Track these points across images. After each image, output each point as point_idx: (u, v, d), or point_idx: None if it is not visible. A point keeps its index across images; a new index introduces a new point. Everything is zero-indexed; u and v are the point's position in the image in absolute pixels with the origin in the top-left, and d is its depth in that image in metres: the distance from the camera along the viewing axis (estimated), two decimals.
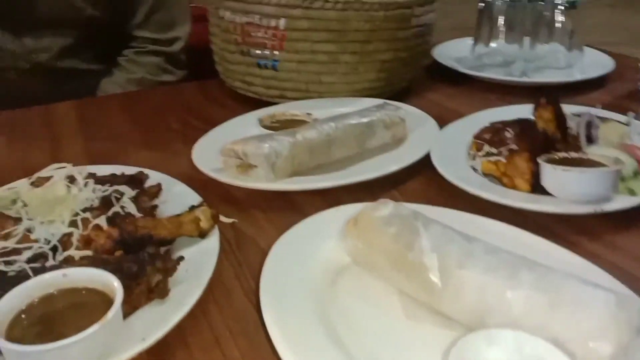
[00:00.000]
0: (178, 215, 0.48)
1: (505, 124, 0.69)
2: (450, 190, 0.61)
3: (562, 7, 0.92)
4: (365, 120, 0.68)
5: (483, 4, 0.97)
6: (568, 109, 0.75)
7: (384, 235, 0.44)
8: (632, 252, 0.53)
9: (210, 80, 0.96)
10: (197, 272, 0.45)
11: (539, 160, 0.57)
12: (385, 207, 0.46)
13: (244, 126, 0.73)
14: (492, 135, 0.68)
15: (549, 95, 0.62)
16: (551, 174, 0.55)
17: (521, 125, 0.60)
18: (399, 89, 0.89)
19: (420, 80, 0.97)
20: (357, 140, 0.68)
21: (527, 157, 0.58)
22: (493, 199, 0.56)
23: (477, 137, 0.68)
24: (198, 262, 0.46)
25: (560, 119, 0.62)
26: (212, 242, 0.48)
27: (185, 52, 1.20)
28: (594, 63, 1.00)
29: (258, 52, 0.82)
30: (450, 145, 0.68)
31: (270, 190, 0.60)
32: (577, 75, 0.95)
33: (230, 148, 0.59)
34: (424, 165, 0.66)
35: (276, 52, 0.81)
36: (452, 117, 0.81)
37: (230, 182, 0.59)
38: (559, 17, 0.94)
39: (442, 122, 0.76)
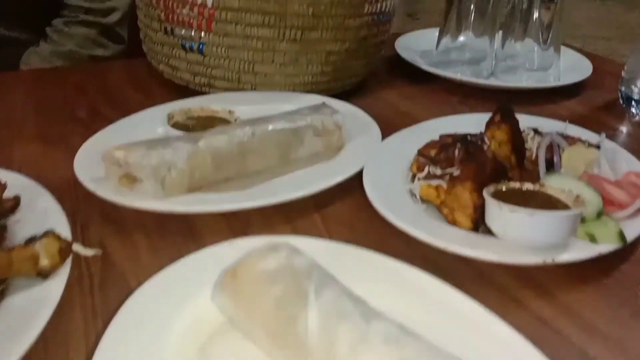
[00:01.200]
0: (10, 250, 0.37)
1: (457, 139, 0.59)
2: (380, 220, 0.51)
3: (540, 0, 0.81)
4: (291, 125, 0.58)
5: None
6: (531, 121, 0.65)
7: (266, 296, 0.34)
8: (585, 318, 0.43)
9: (141, 60, 0.84)
10: (18, 331, 0.35)
11: (485, 192, 0.47)
12: (274, 256, 0.36)
13: (152, 122, 0.62)
14: (439, 152, 0.57)
15: (504, 111, 0.52)
16: (496, 213, 0.45)
17: (467, 147, 0.50)
18: (348, 85, 0.78)
19: (377, 75, 0.86)
20: (280, 150, 0.57)
21: (470, 187, 0.48)
22: (423, 238, 0.46)
23: (421, 153, 0.58)
24: (28, 314, 0.36)
25: (516, 140, 0.52)
26: (54, 287, 0.38)
27: (124, 23, 1.07)
28: (570, 66, 0.89)
29: (183, 32, 0.70)
30: (389, 161, 0.58)
31: (159, 212, 0.49)
32: (550, 81, 0.85)
33: (111, 154, 0.48)
34: (356, 184, 0.56)
35: (203, 34, 0.69)
36: (404, 122, 0.70)
37: (107, 197, 0.48)
38: (536, 11, 0.83)
39: (391, 128, 0.66)
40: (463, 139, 0.57)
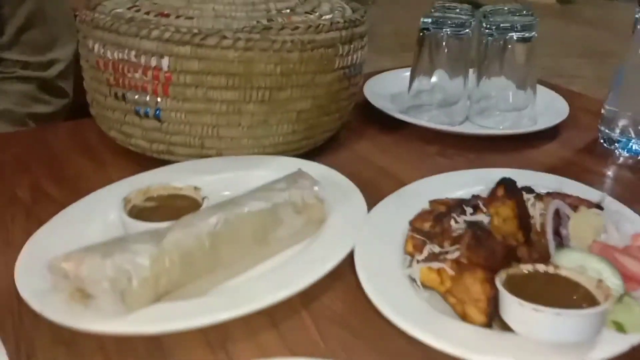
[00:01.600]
0: None
1: (450, 206, 0.54)
2: (378, 313, 0.44)
3: (515, 39, 0.78)
4: (268, 205, 0.51)
5: (422, 33, 0.81)
6: (520, 177, 0.61)
7: None
8: None
9: (89, 120, 0.76)
10: None
11: (499, 283, 0.42)
12: None
13: (105, 207, 0.54)
14: (433, 224, 0.52)
15: (508, 185, 0.47)
16: (516, 310, 0.40)
17: (474, 232, 0.44)
18: (320, 141, 0.72)
19: (348, 125, 0.80)
20: (256, 234, 0.50)
21: (482, 277, 0.42)
22: (431, 342, 0.40)
23: (415, 227, 0.52)
24: None
25: (523, 215, 0.47)
26: None
27: (68, 75, 0.99)
28: (546, 105, 0.86)
29: (136, 97, 0.63)
30: (380, 237, 0.52)
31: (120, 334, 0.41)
32: (527, 125, 0.81)
33: (59, 266, 0.40)
34: (347, 267, 0.50)
35: (159, 99, 0.62)
36: (385, 182, 0.66)
37: (57, 320, 0.40)
38: (511, 50, 0.79)
39: (371, 189, 0.60)
40: (458, 208, 0.52)
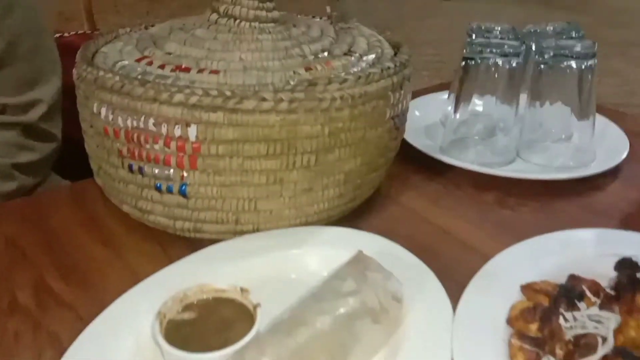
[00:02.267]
0: None
1: (552, 297, 0.46)
2: None
3: (575, 66, 0.69)
4: (340, 319, 0.41)
5: (466, 62, 0.72)
6: (609, 240, 0.53)
7: None
8: None
9: (90, 181, 0.64)
10: None
11: None
12: None
13: (137, 315, 0.44)
14: (541, 327, 0.44)
15: None
16: None
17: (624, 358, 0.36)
18: (364, 200, 0.63)
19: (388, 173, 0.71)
20: None
21: None
22: None
23: (519, 332, 0.44)
24: None
25: None
26: None
27: (53, 116, 0.86)
28: (602, 136, 0.77)
29: (156, 171, 0.53)
30: (481, 351, 0.42)
31: None
32: (586, 160, 0.73)
33: None
34: None
35: (185, 173, 0.52)
36: (450, 249, 0.58)
37: None
38: (569, 76, 0.70)
39: (438, 262, 0.51)
40: (562, 299, 0.43)
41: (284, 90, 0.49)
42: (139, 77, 0.51)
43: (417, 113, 0.82)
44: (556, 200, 0.67)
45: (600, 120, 0.79)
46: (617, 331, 0.41)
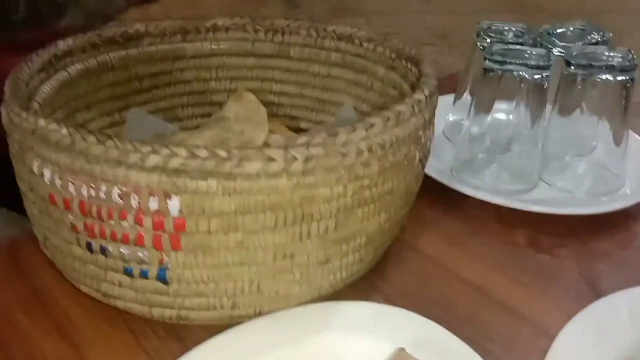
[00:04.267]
0: None
1: None
2: None
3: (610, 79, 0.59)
4: None
5: (485, 72, 0.61)
6: None
7: None
8: None
9: (30, 236, 0.49)
10: None
11: None
12: None
13: None
14: None
15: None
16: None
17: None
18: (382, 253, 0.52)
19: None
20: None
21: None
22: None
23: None
24: None
25: None
26: None
27: None
28: (633, 153, 0.66)
29: (124, 251, 0.40)
30: None
31: None
32: (616, 184, 0.63)
33: None
34: None
35: (164, 256, 0.39)
36: (495, 317, 0.48)
37: None
38: (601, 89, 0.60)
39: (487, 341, 0.42)
40: None
41: (296, 146, 0.37)
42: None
43: None
44: (596, 239, 0.58)
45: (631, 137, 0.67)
46: None
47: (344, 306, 0.44)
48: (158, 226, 0.37)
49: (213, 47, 0.65)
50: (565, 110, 0.64)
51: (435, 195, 0.61)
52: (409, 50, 0.54)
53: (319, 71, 0.66)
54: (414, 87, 0.53)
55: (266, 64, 0.67)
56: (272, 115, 0.66)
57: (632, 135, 0.67)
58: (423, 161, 0.47)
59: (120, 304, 0.43)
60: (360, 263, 0.46)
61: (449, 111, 0.74)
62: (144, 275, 0.40)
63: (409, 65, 0.54)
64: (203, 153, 0.35)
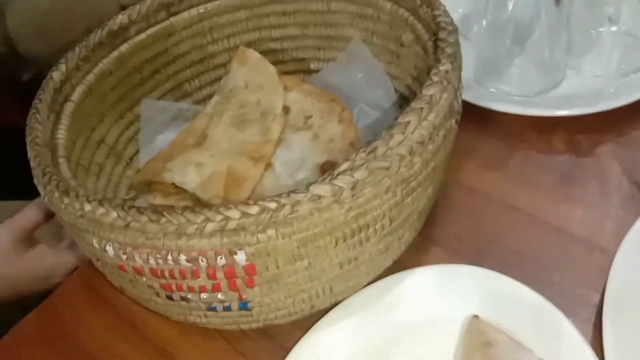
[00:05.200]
0: None
1: None
2: None
3: None
4: None
5: None
6: None
7: None
8: None
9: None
10: None
11: None
12: None
13: None
14: None
15: None
16: None
17: None
18: None
19: None
20: None
21: None
22: None
23: None
24: None
25: None
26: None
27: None
28: None
29: (204, 296, 0.42)
30: None
31: None
32: None
33: None
34: None
35: (242, 294, 0.41)
36: (557, 247, 0.49)
37: None
38: None
39: (546, 279, 0.45)
40: None
41: (340, 175, 0.37)
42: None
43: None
44: (637, 127, 0.57)
45: None
46: None
47: (410, 275, 0.47)
48: (230, 275, 0.39)
49: (201, 11, 0.61)
50: None
51: (465, 115, 0.60)
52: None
53: (317, 8, 0.62)
54: (428, 27, 0.50)
55: (260, 12, 0.63)
56: (278, 63, 0.64)
57: None
58: (458, 120, 0.46)
59: (210, 327, 0.47)
60: (415, 232, 0.48)
61: (460, 3, 0.70)
62: (227, 309, 0.42)
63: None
64: (254, 210, 0.36)
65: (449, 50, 0.42)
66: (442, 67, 0.41)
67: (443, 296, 0.46)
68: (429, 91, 0.40)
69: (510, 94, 0.61)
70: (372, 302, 0.46)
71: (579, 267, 0.47)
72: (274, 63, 0.61)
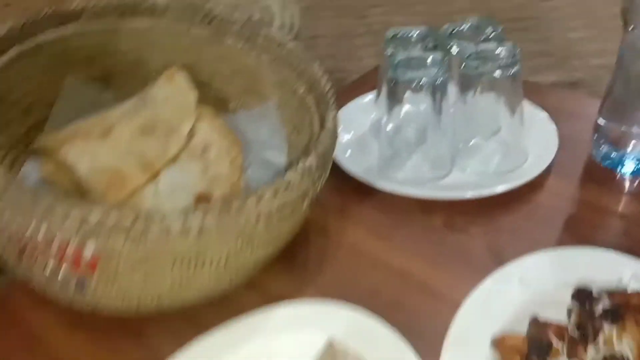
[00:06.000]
0: None
1: (526, 355, 0.47)
2: None
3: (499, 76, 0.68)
4: None
5: (392, 84, 0.68)
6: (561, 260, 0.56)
7: None
8: None
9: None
10: None
11: None
12: None
13: None
14: None
15: None
16: None
17: None
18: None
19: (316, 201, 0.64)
20: None
21: None
22: None
23: None
24: None
25: None
26: None
27: None
28: (530, 125, 0.75)
29: (48, 268, 0.48)
30: None
31: None
32: (518, 158, 0.73)
33: None
34: None
35: (82, 274, 0.48)
36: (416, 299, 0.57)
37: None
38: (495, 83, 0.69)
39: (406, 319, 0.52)
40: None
41: (193, 216, 0.45)
42: None
43: (343, 127, 0.78)
44: (502, 214, 0.69)
45: (528, 109, 0.78)
46: None
47: (274, 311, 0.54)
48: (76, 258, 0.46)
49: (152, 24, 0.68)
50: (466, 99, 0.72)
51: (362, 193, 0.71)
52: (324, 86, 0.60)
53: (250, 62, 0.70)
54: (322, 121, 0.60)
55: (201, 47, 0.71)
56: (203, 91, 0.71)
57: (530, 109, 0.78)
58: (313, 202, 0.56)
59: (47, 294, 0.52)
60: (246, 277, 0.56)
61: (373, 109, 0.81)
62: (65, 282, 0.49)
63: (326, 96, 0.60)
64: (113, 216, 0.43)
65: (319, 149, 0.53)
66: (308, 162, 0.51)
67: (305, 328, 0.51)
68: (288, 177, 0.50)
69: (405, 181, 0.72)
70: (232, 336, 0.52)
71: (439, 319, 0.54)
72: (199, 90, 0.69)
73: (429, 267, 0.62)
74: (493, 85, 0.70)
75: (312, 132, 0.61)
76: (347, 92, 0.86)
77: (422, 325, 0.53)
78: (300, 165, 0.51)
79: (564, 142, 0.75)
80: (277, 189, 0.48)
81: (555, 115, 0.79)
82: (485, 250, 0.62)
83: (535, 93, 0.83)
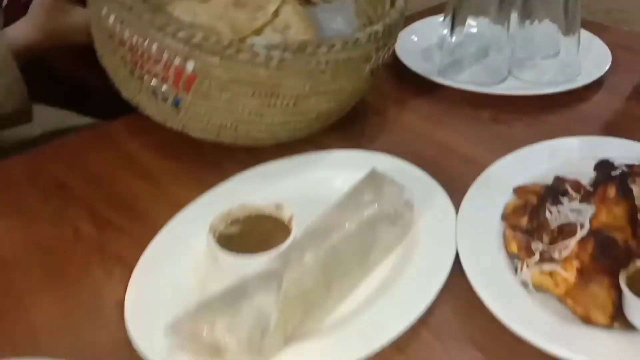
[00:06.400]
0: None
1: (540, 196, 0.54)
2: (500, 327, 0.46)
3: None
4: (363, 223, 0.51)
5: None
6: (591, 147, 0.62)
7: None
8: None
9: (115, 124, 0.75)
10: None
11: (624, 287, 0.45)
12: None
13: (187, 236, 0.54)
14: (530, 219, 0.52)
15: (620, 184, 0.50)
16: None
17: (598, 241, 0.46)
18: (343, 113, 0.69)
19: (380, 90, 0.77)
20: (359, 258, 0.51)
21: (608, 284, 0.46)
22: (561, 354, 0.43)
23: (511, 225, 0.53)
24: None
25: (632, 212, 0.49)
26: None
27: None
28: (587, 50, 0.83)
29: (153, 83, 0.59)
30: (480, 242, 0.52)
31: None
32: (571, 74, 0.79)
33: (189, 329, 0.43)
34: (455, 276, 0.50)
35: (179, 93, 0.59)
36: (452, 162, 0.66)
37: None
38: None
39: (443, 173, 0.60)
40: (549, 197, 0.52)
41: (275, 49, 0.55)
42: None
43: (414, 38, 0.86)
44: (546, 114, 0.76)
45: (585, 35, 0.85)
46: (593, 218, 0.49)
47: (328, 152, 0.65)
48: (178, 75, 0.57)
49: None
50: (527, 16, 0.79)
51: (421, 89, 0.80)
52: None
53: None
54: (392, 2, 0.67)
55: None
56: None
57: (586, 35, 0.85)
58: (374, 71, 0.65)
59: (146, 112, 0.64)
60: (309, 129, 0.66)
61: (442, 27, 0.89)
62: (164, 99, 0.60)
63: None
64: (213, 38, 0.53)
65: (387, 20, 0.61)
66: (375, 27, 0.60)
67: (352, 167, 0.59)
68: (357, 35, 0.59)
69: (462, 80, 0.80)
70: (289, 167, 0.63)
71: (466, 177, 0.60)
72: None
73: (470, 144, 0.69)
74: (552, 6, 0.76)
75: (383, 13, 0.69)
76: (422, 13, 0.95)
77: (456, 177, 0.61)
78: (368, 29, 0.59)
79: (617, 67, 0.81)
80: (345, 42, 0.57)
81: (611, 46, 0.85)
82: (523, 138, 0.66)
83: (595, 27, 0.90)
